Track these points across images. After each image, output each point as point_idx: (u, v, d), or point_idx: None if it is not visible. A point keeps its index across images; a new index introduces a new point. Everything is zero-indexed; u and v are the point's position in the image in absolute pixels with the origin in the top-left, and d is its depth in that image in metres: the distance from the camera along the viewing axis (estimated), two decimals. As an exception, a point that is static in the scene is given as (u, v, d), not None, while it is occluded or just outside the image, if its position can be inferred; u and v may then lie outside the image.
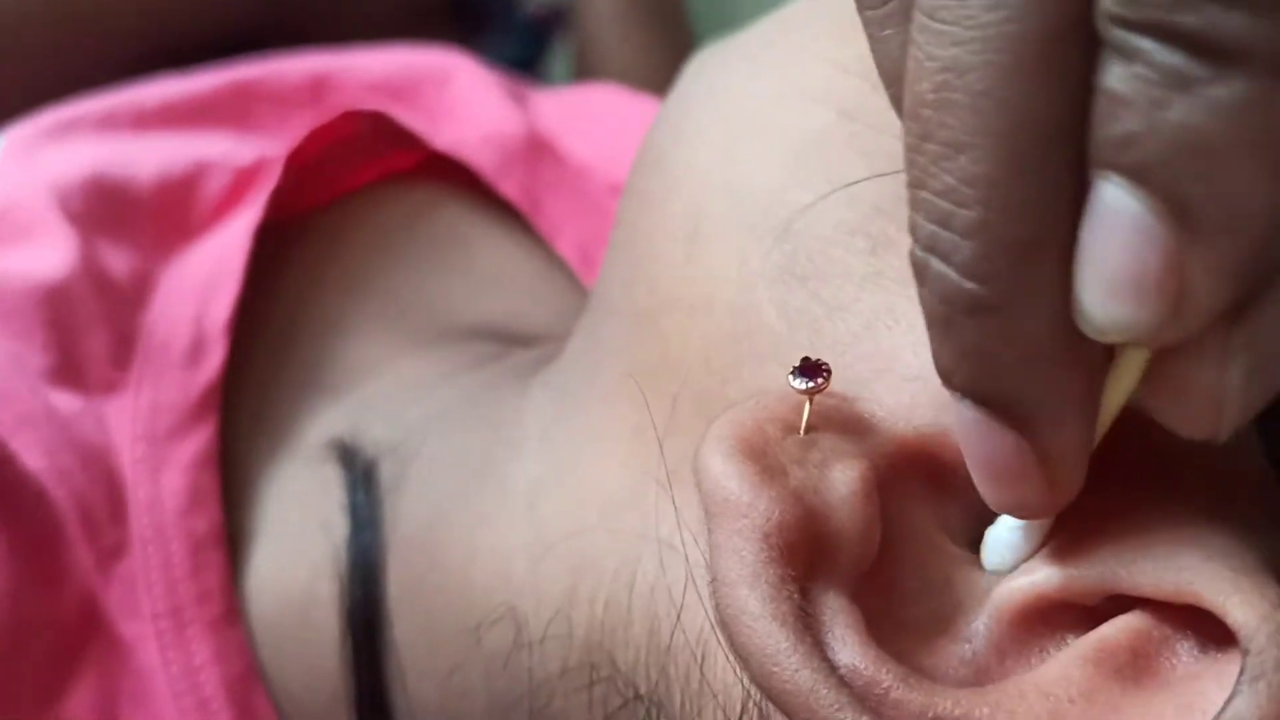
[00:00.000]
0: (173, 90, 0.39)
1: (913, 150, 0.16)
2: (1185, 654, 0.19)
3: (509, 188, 0.39)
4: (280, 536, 0.30)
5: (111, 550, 0.29)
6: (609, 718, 0.23)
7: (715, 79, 0.27)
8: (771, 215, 0.23)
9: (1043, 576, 0.19)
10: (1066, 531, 0.19)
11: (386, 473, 0.29)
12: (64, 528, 0.29)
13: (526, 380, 0.29)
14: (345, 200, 0.39)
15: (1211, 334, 0.15)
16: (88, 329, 0.32)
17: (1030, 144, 0.15)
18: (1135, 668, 0.18)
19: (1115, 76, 0.14)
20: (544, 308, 0.37)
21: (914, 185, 0.16)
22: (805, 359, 0.21)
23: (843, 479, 0.20)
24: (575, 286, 0.38)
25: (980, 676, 0.20)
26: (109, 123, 0.38)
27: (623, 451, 0.24)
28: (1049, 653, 0.19)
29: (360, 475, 0.29)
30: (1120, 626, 0.19)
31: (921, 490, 0.21)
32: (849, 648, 0.19)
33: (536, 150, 0.40)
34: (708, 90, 0.27)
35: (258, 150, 0.37)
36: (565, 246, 0.38)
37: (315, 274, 0.36)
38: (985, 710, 0.18)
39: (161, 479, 0.30)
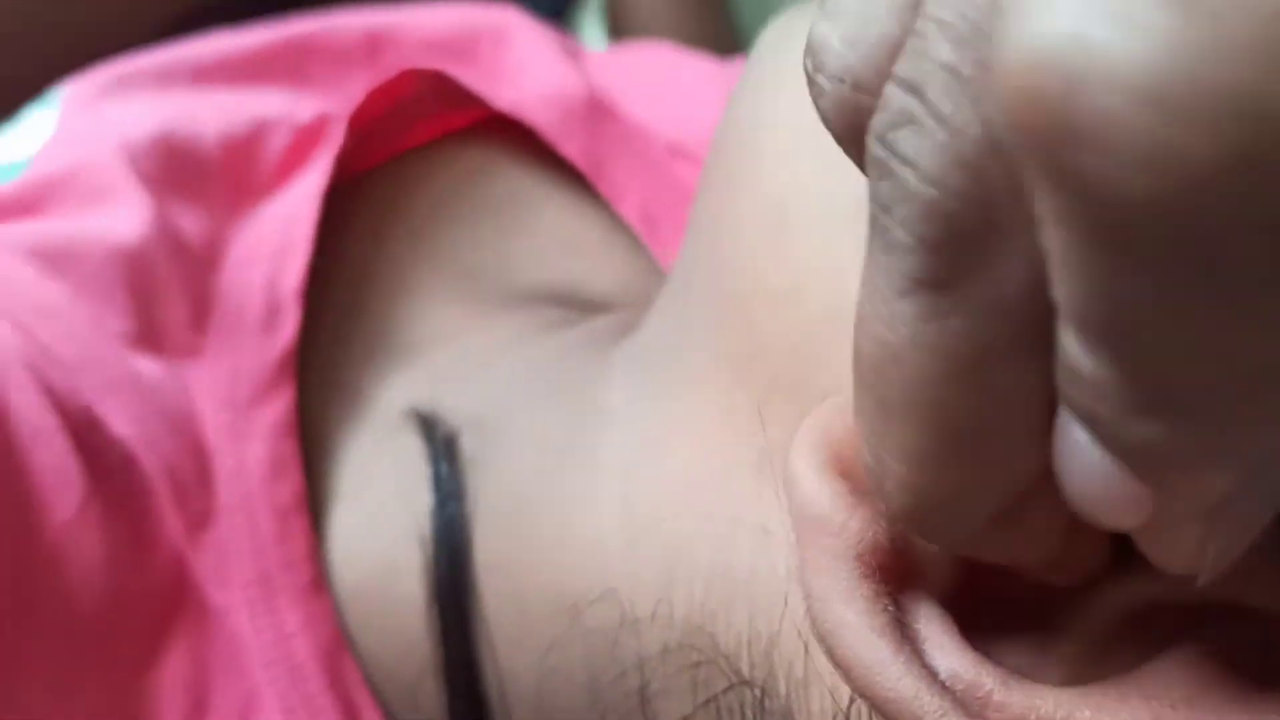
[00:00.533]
0: (228, 45, 0.39)
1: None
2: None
3: (571, 149, 0.39)
4: (361, 505, 0.30)
5: (200, 518, 0.29)
6: (712, 700, 0.23)
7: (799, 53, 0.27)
8: (863, 201, 0.23)
9: (1149, 579, 0.20)
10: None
11: (468, 446, 0.29)
12: (154, 495, 0.29)
13: (605, 353, 0.30)
14: (405, 160, 0.39)
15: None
16: (166, 293, 0.32)
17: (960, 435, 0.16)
18: (1239, 673, 0.19)
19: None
20: (609, 272, 0.37)
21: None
22: None
23: None
24: (640, 251, 0.38)
25: (1078, 676, 0.20)
26: (167, 78, 0.38)
27: (715, 436, 0.25)
28: (1149, 654, 0.20)
29: (441, 447, 0.30)
30: (1226, 633, 0.19)
31: None
32: (947, 653, 0.19)
33: (597, 111, 0.40)
34: (793, 66, 0.27)
35: (316, 108, 0.37)
36: (628, 210, 0.38)
37: (379, 236, 0.36)
38: (1087, 713, 0.19)
39: (245, 446, 0.30)
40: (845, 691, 0.21)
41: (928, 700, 0.19)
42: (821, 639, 0.20)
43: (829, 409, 0.21)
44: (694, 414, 0.25)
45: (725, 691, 0.23)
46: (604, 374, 0.29)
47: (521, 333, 0.34)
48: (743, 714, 0.23)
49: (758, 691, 0.23)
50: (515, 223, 0.38)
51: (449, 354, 0.33)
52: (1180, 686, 0.19)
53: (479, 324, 0.34)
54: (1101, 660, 0.20)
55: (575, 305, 0.35)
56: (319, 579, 0.29)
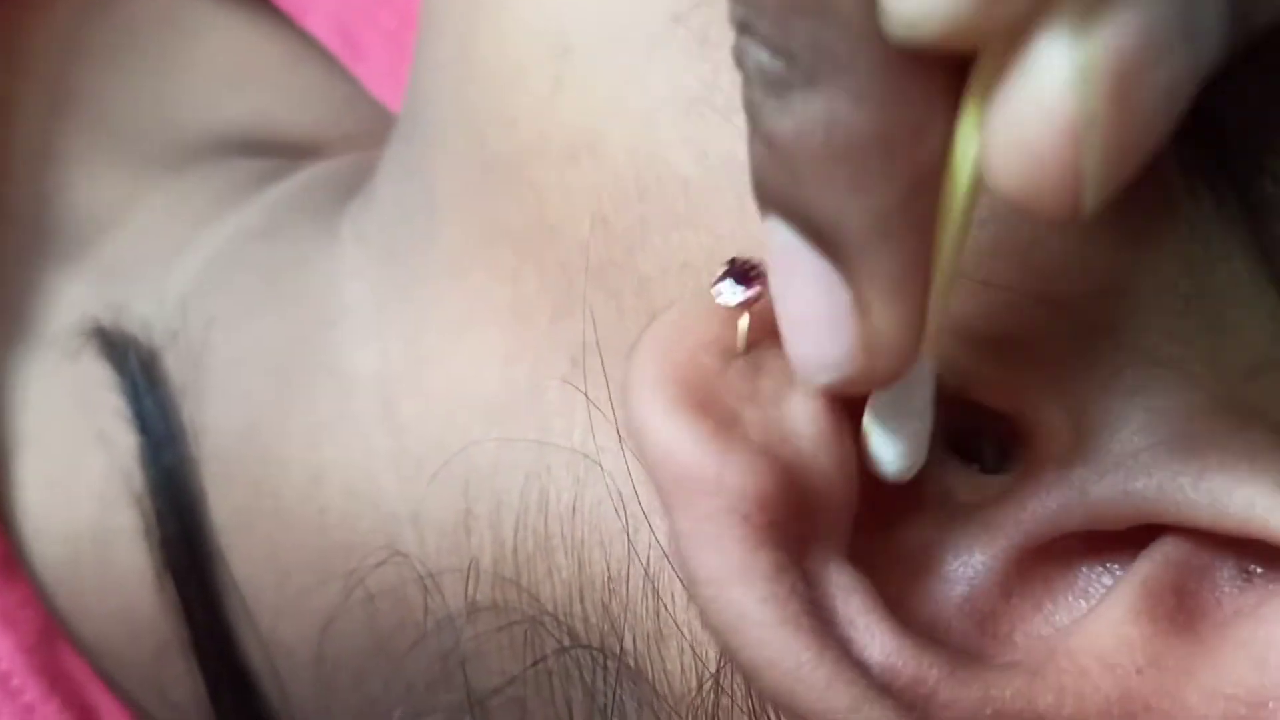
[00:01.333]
0: None
1: None
2: (1226, 584, 0.16)
3: None
4: (49, 460, 0.24)
5: None
6: (537, 664, 0.19)
7: None
8: (676, 19, 0.18)
9: (1057, 498, 0.16)
10: (1078, 434, 0.16)
11: (174, 370, 0.23)
12: None
13: (327, 223, 0.24)
14: None
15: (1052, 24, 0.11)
16: None
17: None
18: (1184, 610, 0.16)
19: None
20: (303, 104, 0.31)
21: None
22: (734, 261, 0.17)
23: (805, 411, 0.16)
24: (340, 76, 0.31)
25: (983, 623, 0.17)
26: None
27: (500, 337, 0.20)
28: (1062, 593, 0.17)
29: (138, 373, 0.24)
30: (1159, 561, 0.16)
31: None
32: (878, 639, 0.16)
33: None
34: None
35: None
36: (317, 25, 0.31)
37: None
38: (1050, 697, 0.16)
39: None
40: (713, 649, 0.18)
41: (866, 710, 0.15)
42: (717, 633, 0.16)
43: (666, 327, 0.17)
44: (466, 310, 0.20)
45: (556, 653, 0.19)
46: (333, 256, 0.23)
47: (209, 200, 0.27)
48: (582, 678, 0.19)
49: (597, 653, 0.19)
50: (169, 55, 0.30)
51: (122, 244, 0.27)
52: (1140, 645, 0.16)
53: (155, 195, 0.27)
54: (1008, 599, 0.17)
55: (270, 150, 0.29)
56: (9, 559, 0.23)
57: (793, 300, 0.15)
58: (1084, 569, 0.17)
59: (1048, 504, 0.17)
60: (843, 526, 0.16)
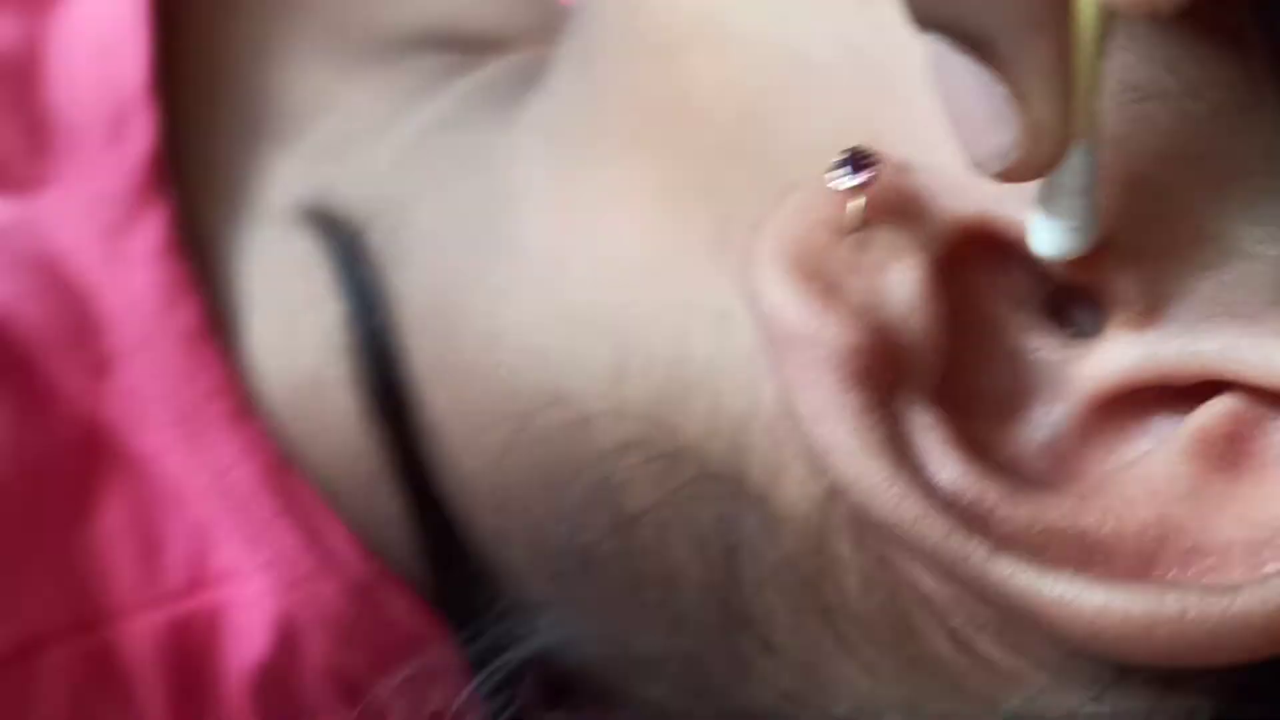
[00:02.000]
0: None
1: None
2: (1276, 434, 0.18)
3: None
4: (271, 321, 0.28)
5: (96, 367, 0.27)
6: (677, 491, 0.23)
7: None
8: None
9: (1132, 357, 0.19)
10: (1153, 304, 0.19)
11: (377, 244, 0.27)
12: (36, 356, 0.27)
13: (507, 112, 0.27)
14: None
15: None
16: None
17: None
18: (1233, 454, 0.18)
19: None
20: (486, 3, 0.33)
21: None
22: (853, 150, 0.19)
23: (901, 281, 0.19)
24: None
25: (1060, 466, 0.19)
26: None
27: (653, 212, 0.23)
28: (1134, 439, 0.19)
29: (346, 246, 0.27)
30: (1216, 411, 0.19)
31: (986, 272, 0.20)
32: (949, 467, 0.19)
33: None
34: None
35: None
36: None
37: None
38: (1094, 519, 0.18)
39: (127, 278, 0.28)
40: (821, 478, 0.21)
41: (931, 521, 0.18)
42: (816, 458, 0.19)
43: (789, 207, 0.20)
44: (627, 187, 0.23)
45: (692, 481, 0.23)
46: (512, 141, 0.26)
47: (407, 91, 0.30)
48: (714, 501, 0.22)
49: (729, 480, 0.22)
50: None
51: (329, 130, 0.30)
52: (1184, 479, 0.18)
53: (357, 86, 0.31)
54: (1084, 445, 0.19)
55: (457, 46, 0.32)
56: (244, 405, 0.28)
57: (958, 104, 0.17)
58: (1154, 418, 0.19)
59: (1123, 361, 0.19)
60: (927, 376, 0.19)
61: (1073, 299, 0.20)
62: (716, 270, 0.22)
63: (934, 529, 0.18)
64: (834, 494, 0.21)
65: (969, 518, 0.18)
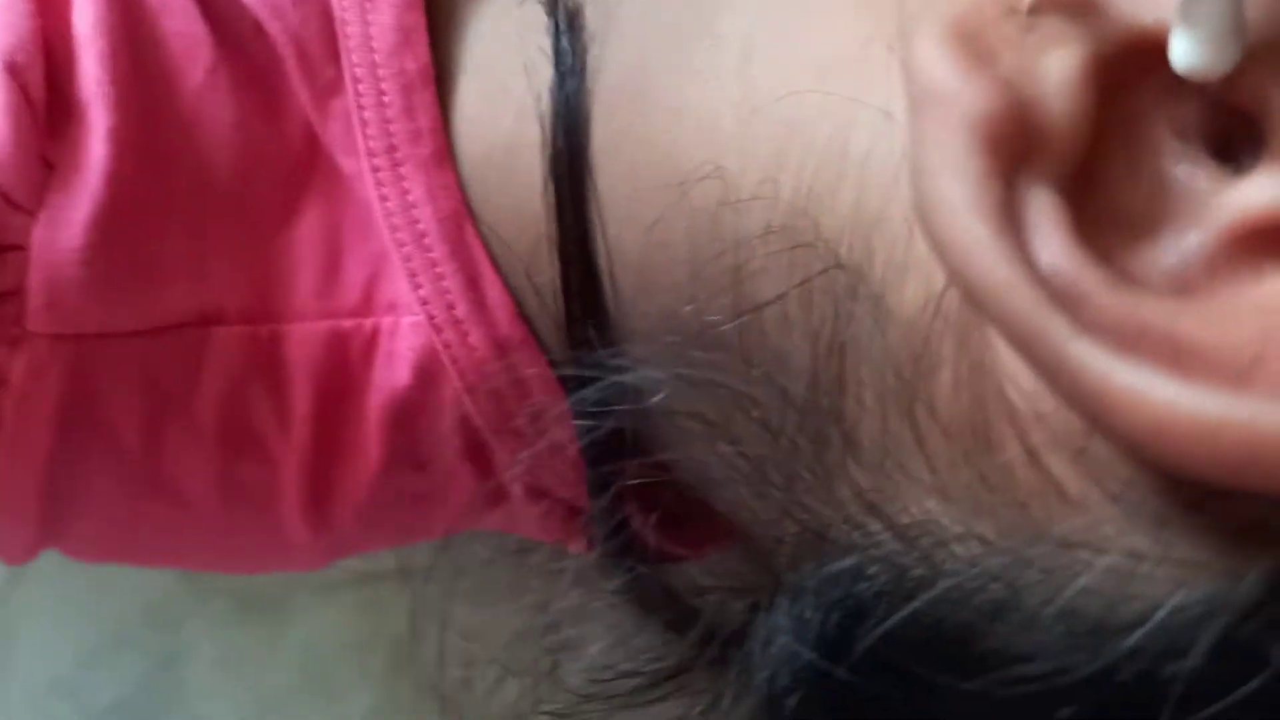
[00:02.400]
0: None
1: None
2: None
3: None
4: (485, 79, 0.30)
5: (326, 87, 0.30)
6: (807, 282, 0.23)
7: None
8: None
9: (1278, 192, 0.18)
10: None
11: (591, 20, 0.29)
12: (282, 63, 0.29)
13: None
14: None
15: None
16: None
17: None
18: None
19: None
20: None
21: None
22: None
23: (1059, 65, 0.19)
24: None
25: (1182, 290, 0.19)
26: None
27: (849, 16, 0.23)
28: (1266, 280, 0.18)
29: (564, 19, 0.29)
30: None
31: (1154, 86, 0.19)
32: (1053, 246, 0.18)
33: None
34: None
35: None
36: None
37: None
38: (1192, 322, 0.18)
39: (370, 16, 0.30)
40: (940, 279, 0.21)
41: (1021, 289, 0.18)
42: (922, 215, 0.19)
43: None
44: None
45: (821, 274, 0.23)
46: None
47: None
48: (835, 296, 0.23)
49: (853, 275, 0.22)
50: None
51: None
52: None
53: None
54: (1212, 277, 0.19)
55: None
56: (443, 151, 0.30)
57: None
58: None
59: (1270, 192, 0.18)
60: (1060, 164, 0.19)
61: (1240, 135, 0.19)
62: (890, 70, 0.22)
63: (1022, 299, 0.18)
64: (946, 295, 0.21)
65: (1063, 296, 0.18)
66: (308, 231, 0.30)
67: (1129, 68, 0.19)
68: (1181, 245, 0.19)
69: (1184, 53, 0.18)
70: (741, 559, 0.28)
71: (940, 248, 0.19)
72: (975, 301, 0.19)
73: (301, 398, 0.30)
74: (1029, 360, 0.18)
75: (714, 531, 0.30)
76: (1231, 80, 0.18)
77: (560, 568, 0.26)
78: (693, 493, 0.28)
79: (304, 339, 0.30)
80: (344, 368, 0.30)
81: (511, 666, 0.25)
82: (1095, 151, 0.19)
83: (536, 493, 0.31)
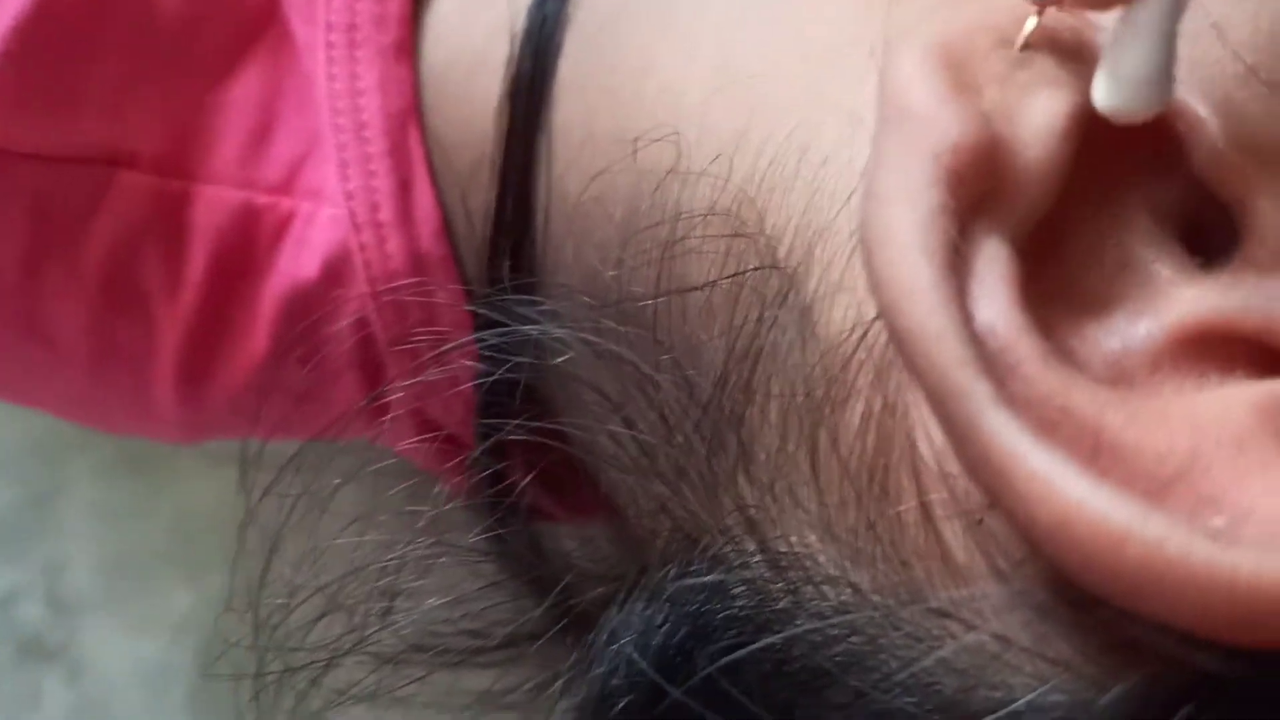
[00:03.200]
0: None
1: None
2: None
3: None
4: None
5: None
6: (739, 275, 0.21)
7: None
8: None
9: (1243, 297, 0.17)
10: None
11: None
12: None
13: None
14: None
15: None
16: None
17: None
18: None
19: None
20: None
21: None
22: None
23: (1043, 109, 0.17)
24: None
25: (1120, 382, 0.17)
26: None
27: (841, 6, 0.22)
28: (1210, 386, 0.17)
29: None
30: None
31: (1140, 154, 0.18)
32: (994, 303, 0.16)
33: None
34: None
35: None
36: None
37: None
38: (1119, 419, 0.16)
39: None
40: (874, 306, 0.19)
41: (949, 343, 0.16)
42: (865, 239, 0.17)
43: (961, 9, 0.18)
44: None
45: (754, 270, 0.21)
46: None
47: None
48: (764, 298, 0.21)
49: (786, 280, 0.21)
50: None
51: None
52: (1234, 426, 0.16)
53: None
54: (1154, 372, 0.17)
55: None
56: (406, 44, 0.28)
57: None
58: (1240, 373, 0.17)
59: (1233, 300, 0.17)
60: (1021, 217, 0.17)
61: (1214, 227, 0.18)
62: (867, 74, 0.20)
63: (948, 352, 0.16)
64: (875, 325, 0.19)
65: (992, 360, 0.16)
66: (244, 93, 0.28)
67: (1116, 128, 0.18)
68: (1130, 333, 0.18)
69: (1102, 90, 0.17)
70: (612, 542, 0.27)
71: (875, 277, 0.17)
72: (899, 342, 0.17)
73: (196, 265, 0.28)
74: (940, 418, 0.17)
75: (595, 503, 0.28)
76: (1219, 171, 0.17)
77: (415, 510, 0.24)
78: (579, 461, 0.27)
79: (213, 204, 0.28)
80: (248, 245, 0.28)
81: (339, 601, 0.23)
82: (1064, 211, 0.18)
83: (421, 419, 0.29)
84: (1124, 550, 0.15)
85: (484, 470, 0.27)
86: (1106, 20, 0.17)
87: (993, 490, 0.16)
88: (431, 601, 0.24)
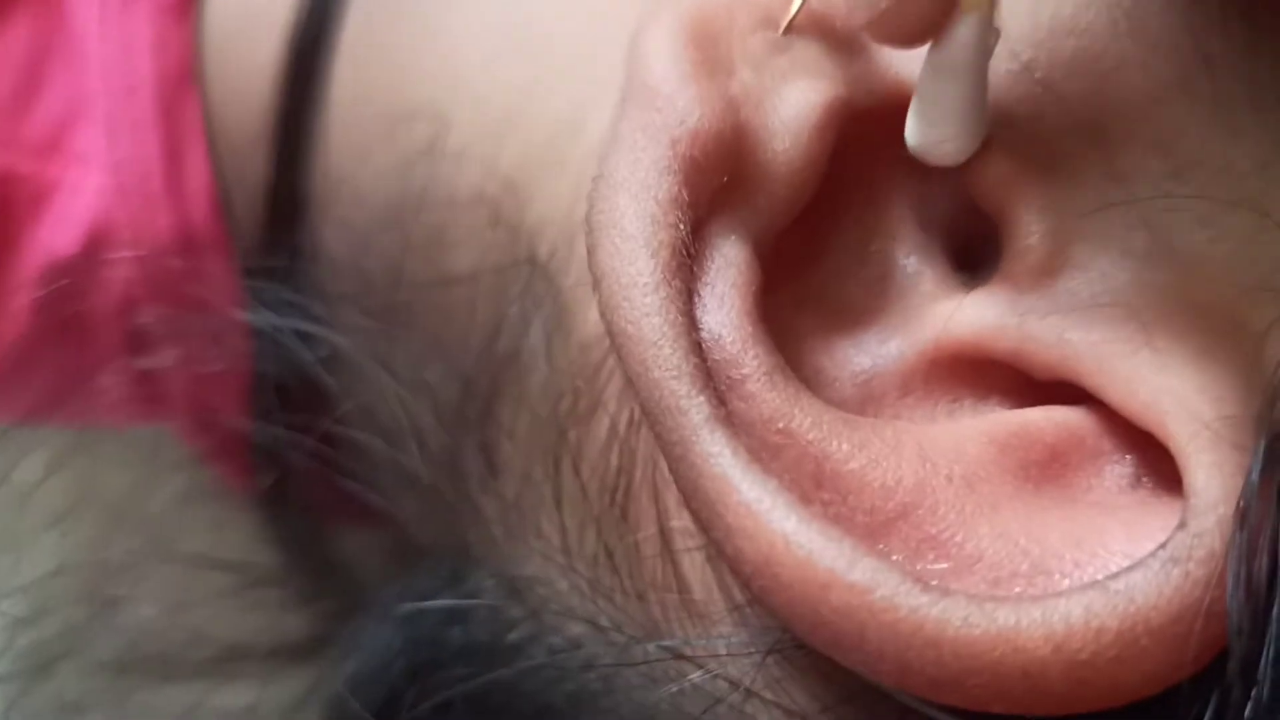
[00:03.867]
0: None
1: None
2: (1111, 479, 0.15)
3: None
4: None
5: None
6: (500, 269, 0.20)
7: None
8: None
9: (997, 316, 0.15)
10: (1047, 264, 0.15)
11: None
12: None
13: None
14: None
15: None
16: None
17: None
18: (1046, 470, 0.15)
19: None
20: None
21: None
22: None
23: (799, 99, 0.16)
24: None
25: (867, 403, 0.16)
26: None
27: None
28: (961, 413, 0.16)
29: None
30: (1055, 419, 0.15)
31: (908, 158, 0.16)
32: (723, 310, 0.15)
33: None
34: None
35: None
36: None
37: None
38: (844, 447, 0.14)
39: None
40: None
41: (666, 352, 0.14)
42: (589, 227, 0.16)
43: None
44: None
45: (516, 265, 0.20)
46: None
47: None
48: (523, 298, 0.19)
49: (544, 279, 0.19)
50: None
51: None
52: (968, 461, 0.15)
53: None
54: (903, 395, 0.16)
55: None
56: (187, 7, 0.26)
57: None
58: (995, 400, 0.16)
59: (987, 318, 0.15)
60: (765, 220, 0.16)
61: (980, 240, 0.16)
62: None
63: (665, 360, 0.14)
64: None
65: (714, 372, 0.15)
66: (7, 49, 0.25)
67: (885, 127, 0.16)
68: (881, 350, 0.16)
69: (913, 131, 0.15)
70: (383, 550, 0.25)
71: (596, 270, 0.15)
72: (615, 345, 0.15)
73: None
74: (655, 435, 0.15)
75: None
76: (983, 177, 0.15)
77: (136, 514, 0.22)
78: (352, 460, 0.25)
79: None
80: (5, 215, 0.25)
81: (46, 604, 0.21)
82: (824, 213, 0.16)
83: (197, 408, 0.27)
84: (827, 596, 0.13)
85: (262, 465, 0.25)
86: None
87: (704, 519, 0.15)
88: (144, 611, 0.22)
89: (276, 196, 0.25)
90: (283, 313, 0.23)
